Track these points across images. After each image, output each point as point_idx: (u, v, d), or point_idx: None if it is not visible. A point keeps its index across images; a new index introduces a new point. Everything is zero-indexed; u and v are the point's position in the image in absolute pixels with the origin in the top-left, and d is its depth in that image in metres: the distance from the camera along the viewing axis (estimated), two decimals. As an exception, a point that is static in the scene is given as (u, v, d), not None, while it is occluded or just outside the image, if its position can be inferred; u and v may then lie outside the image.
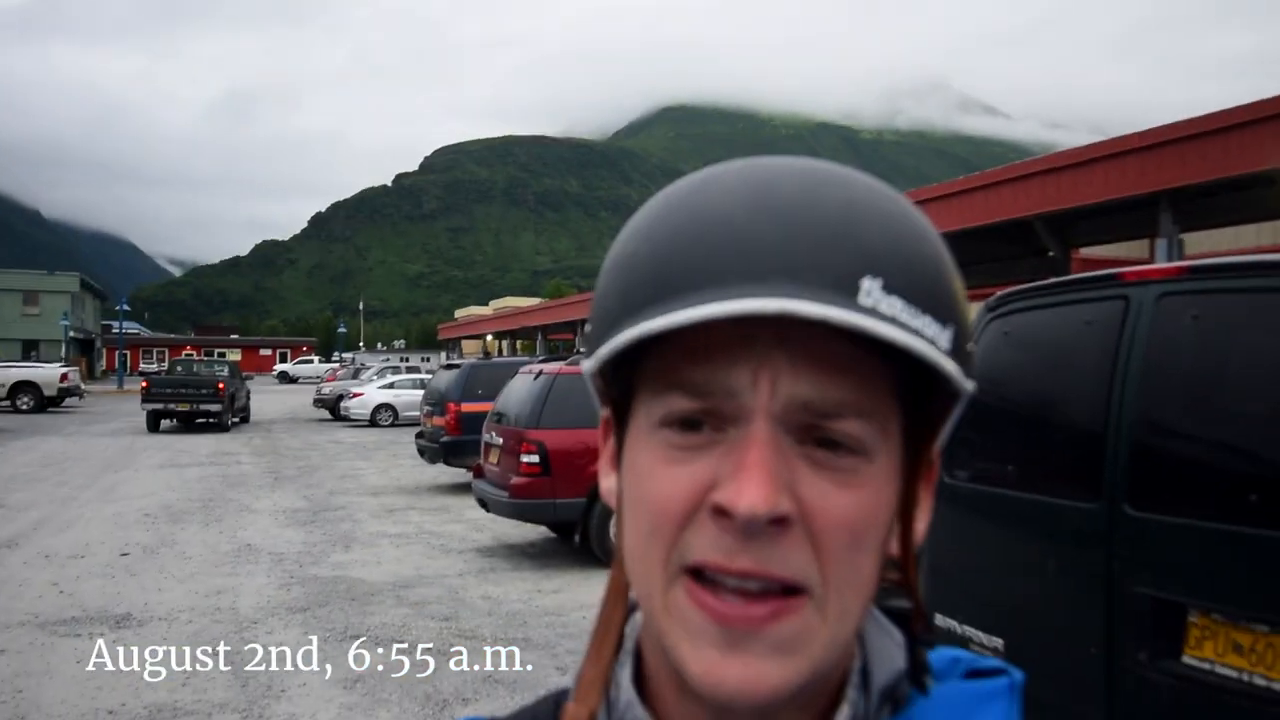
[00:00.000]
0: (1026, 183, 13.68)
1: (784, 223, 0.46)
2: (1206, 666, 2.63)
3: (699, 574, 0.47)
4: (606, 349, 0.48)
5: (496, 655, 5.93)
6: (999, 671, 0.56)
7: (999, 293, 3.75)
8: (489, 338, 56.61)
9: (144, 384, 24.68)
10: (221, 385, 24.15)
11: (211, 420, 24.43)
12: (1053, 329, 3.47)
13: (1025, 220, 13.95)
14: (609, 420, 0.56)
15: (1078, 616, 2.98)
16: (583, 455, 8.36)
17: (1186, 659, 2.69)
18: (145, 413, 24.03)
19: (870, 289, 0.45)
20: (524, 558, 9.01)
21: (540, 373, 9.02)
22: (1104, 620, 2.88)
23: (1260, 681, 2.54)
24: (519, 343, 54.59)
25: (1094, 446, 3.06)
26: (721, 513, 0.46)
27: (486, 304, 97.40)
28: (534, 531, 9.81)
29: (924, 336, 0.45)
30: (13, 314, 62.65)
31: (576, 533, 8.58)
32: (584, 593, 7.55)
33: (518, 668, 5.71)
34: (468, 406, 12.69)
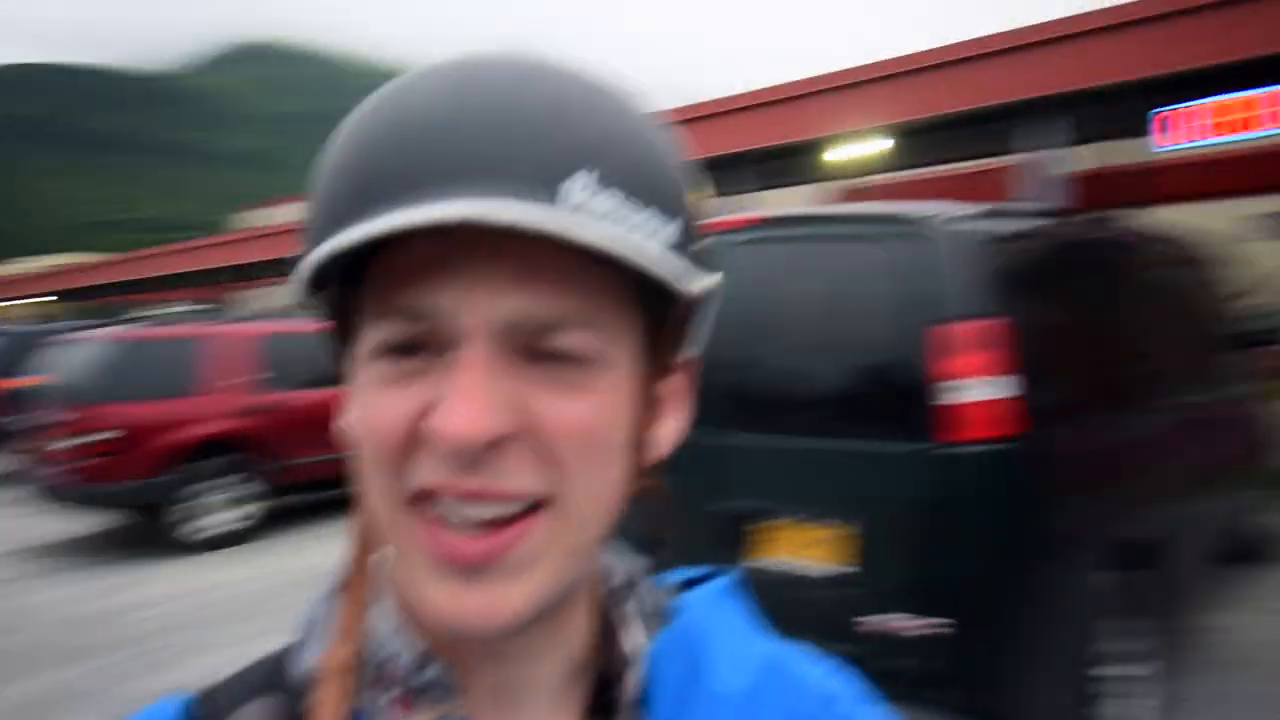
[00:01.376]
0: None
1: (484, 120, 0.42)
2: (779, 565, 3.11)
3: (429, 503, 0.45)
4: (303, 271, 0.44)
5: (71, 664, 5.22)
6: (713, 575, 0.60)
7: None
8: (51, 299, 47.97)
9: None
10: None
11: None
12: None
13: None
14: (340, 356, 0.51)
15: (686, 536, 3.32)
16: (162, 430, 7.55)
17: (760, 560, 3.15)
18: None
19: (581, 185, 0.42)
20: (94, 551, 7.96)
21: (102, 339, 7.95)
22: (700, 537, 3.24)
23: (818, 567, 3.06)
24: (82, 305, 47.13)
25: (705, 379, 3.43)
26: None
27: (9, 261, 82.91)
28: (103, 520, 8.67)
29: (639, 234, 0.43)
30: None
31: (158, 516, 7.73)
32: (170, 582, 6.85)
33: (98, 675, 5.07)
34: (11, 382, 10.80)
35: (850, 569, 3.01)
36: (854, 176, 14.56)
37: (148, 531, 8.14)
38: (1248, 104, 9.50)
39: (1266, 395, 5.47)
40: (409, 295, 0.44)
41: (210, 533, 7.75)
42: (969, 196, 4.23)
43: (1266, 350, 5.55)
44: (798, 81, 13.00)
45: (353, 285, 0.47)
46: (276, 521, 8.24)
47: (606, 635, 0.54)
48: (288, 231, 22.78)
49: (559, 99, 0.44)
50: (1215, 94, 9.59)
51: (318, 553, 7.49)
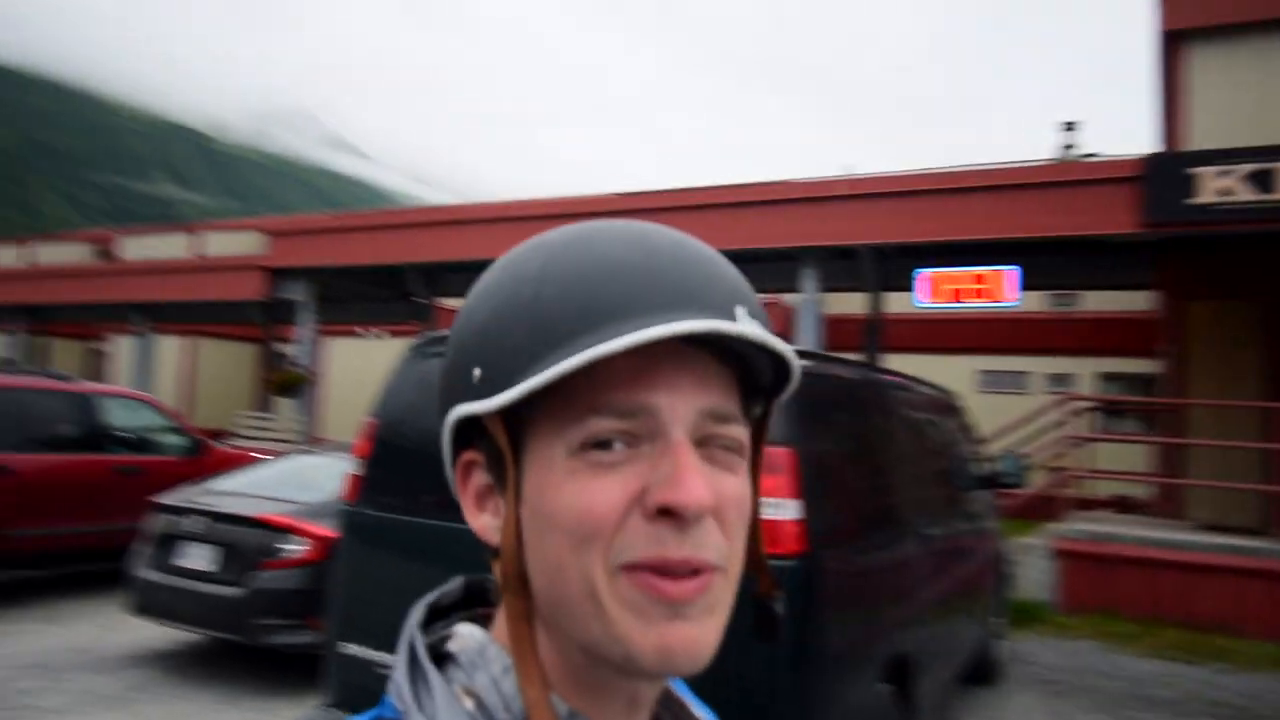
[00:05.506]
0: (402, 232, 14.58)
1: (673, 264, 0.55)
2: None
3: (637, 570, 0.54)
4: (538, 379, 0.52)
5: None
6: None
7: (418, 338, 4.10)
8: None
9: None
10: None
11: None
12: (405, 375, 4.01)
13: (398, 266, 14.82)
14: (475, 461, 0.60)
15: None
16: None
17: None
18: None
19: (741, 314, 0.55)
20: None
21: None
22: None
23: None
24: None
25: (408, 473, 3.78)
26: (665, 512, 0.53)
27: None
28: None
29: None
30: None
31: None
32: None
33: None
34: None
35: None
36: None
37: None
38: (979, 277, 11.18)
39: (1004, 532, 6.17)
40: (626, 396, 0.54)
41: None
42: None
43: (1004, 491, 6.34)
44: (573, 199, 13.66)
45: (530, 401, 0.55)
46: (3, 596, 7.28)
47: (666, 704, 0.67)
48: (19, 276, 20.43)
49: (709, 253, 0.59)
50: (969, 264, 11.23)
51: (41, 636, 6.65)
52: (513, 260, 0.59)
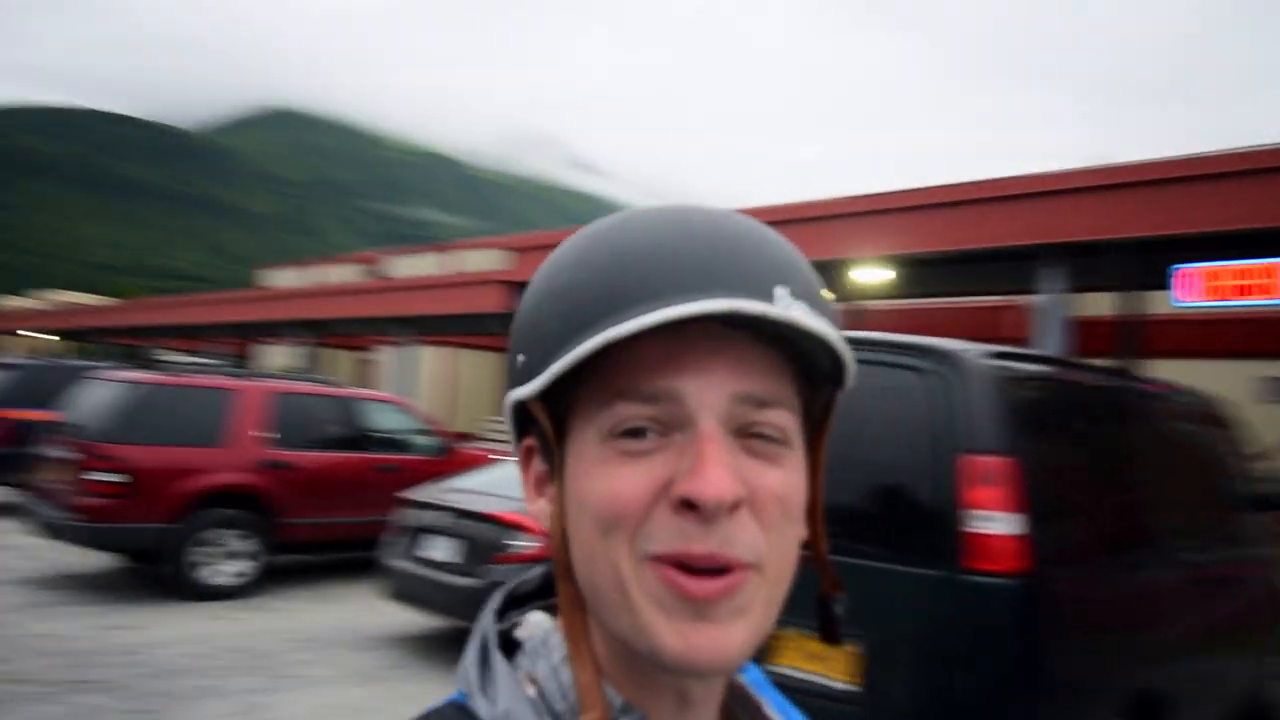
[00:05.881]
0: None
1: (708, 244, 0.53)
2: (788, 672, 3.17)
3: (663, 562, 0.53)
4: (561, 364, 0.52)
5: (58, 700, 5.18)
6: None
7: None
8: (54, 337, 48.03)
9: None
10: None
11: None
12: None
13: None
14: (533, 447, 0.61)
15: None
16: (172, 475, 7.61)
17: (772, 666, 3.21)
18: None
19: (782, 294, 0.52)
20: (92, 589, 7.90)
21: (128, 380, 8.07)
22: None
23: (824, 681, 3.12)
24: (85, 345, 47.27)
25: None
26: (686, 504, 0.51)
27: (21, 294, 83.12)
28: (104, 559, 8.64)
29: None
30: None
31: (160, 561, 7.73)
32: (167, 628, 6.82)
33: (85, 714, 5.04)
34: (22, 414, 10.88)
35: (852, 687, 3.04)
36: (856, 301, 14.91)
37: (149, 575, 8.12)
38: (1268, 270, 9.90)
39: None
40: (650, 380, 0.53)
41: (209, 583, 7.74)
42: (973, 332, 4.36)
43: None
44: (809, 203, 13.44)
45: (565, 382, 0.54)
46: (273, 578, 8.22)
47: (742, 703, 0.65)
48: (301, 295, 23.10)
49: (750, 233, 0.55)
50: (1235, 258, 10.02)
51: (311, 614, 7.47)
52: (560, 249, 0.59)
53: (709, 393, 0.53)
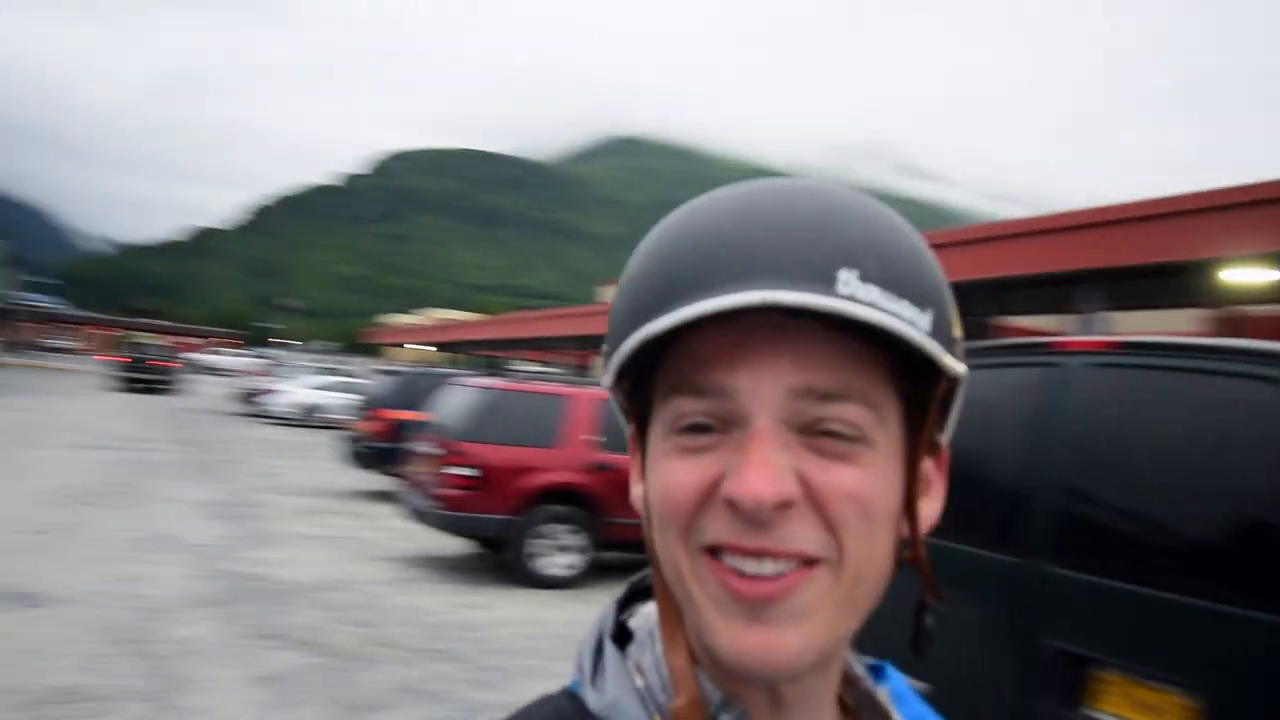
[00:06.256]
0: (959, 251, 14.24)
1: (766, 227, 0.50)
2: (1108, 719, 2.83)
3: (718, 555, 0.51)
4: (616, 358, 0.52)
5: (414, 665, 5.92)
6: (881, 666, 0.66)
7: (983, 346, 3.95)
8: (431, 349, 55.72)
9: (124, 358, 36.02)
10: (175, 363, 36.80)
11: (162, 388, 34.97)
12: (983, 388, 3.65)
13: (960, 284, 14.49)
14: (634, 435, 0.60)
15: (996, 664, 3.15)
16: (515, 472, 8.41)
17: (1089, 711, 2.88)
18: (119, 378, 34.75)
19: (847, 279, 0.49)
20: (448, 570, 8.97)
21: (481, 386, 9.04)
22: (1019, 669, 3.06)
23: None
24: (456, 356, 54.01)
25: (1019, 504, 3.26)
26: (731, 504, 0.50)
27: (410, 312, 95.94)
28: (459, 544, 9.77)
29: (901, 319, 0.49)
30: (-81, 275, 59.71)
31: (503, 550, 8.59)
32: (507, 609, 7.55)
33: (435, 679, 5.71)
34: (400, 414, 12.59)
35: (1194, 747, 2.66)
36: (1230, 304, 12.93)
37: (494, 561, 9.05)
38: None
39: None
40: (705, 375, 0.52)
41: (543, 573, 8.44)
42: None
43: None
44: (1171, 198, 11.88)
45: (646, 373, 0.55)
46: (600, 573, 8.78)
47: (870, 710, 0.62)
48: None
49: (822, 212, 0.52)
50: None
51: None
52: (651, 233, 0.57)
53: (764, 389, 0.51)
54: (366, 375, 24.73)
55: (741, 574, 0.50)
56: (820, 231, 0.50)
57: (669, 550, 0.53)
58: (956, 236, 15.15)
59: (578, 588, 8.47)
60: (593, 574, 8.68)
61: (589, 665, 0.59)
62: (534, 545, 8.43)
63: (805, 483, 0.50)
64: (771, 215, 0.51)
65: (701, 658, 0.56)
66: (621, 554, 9.06)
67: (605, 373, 0.55)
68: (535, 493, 8.45)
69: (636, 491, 0.60)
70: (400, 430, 12.04)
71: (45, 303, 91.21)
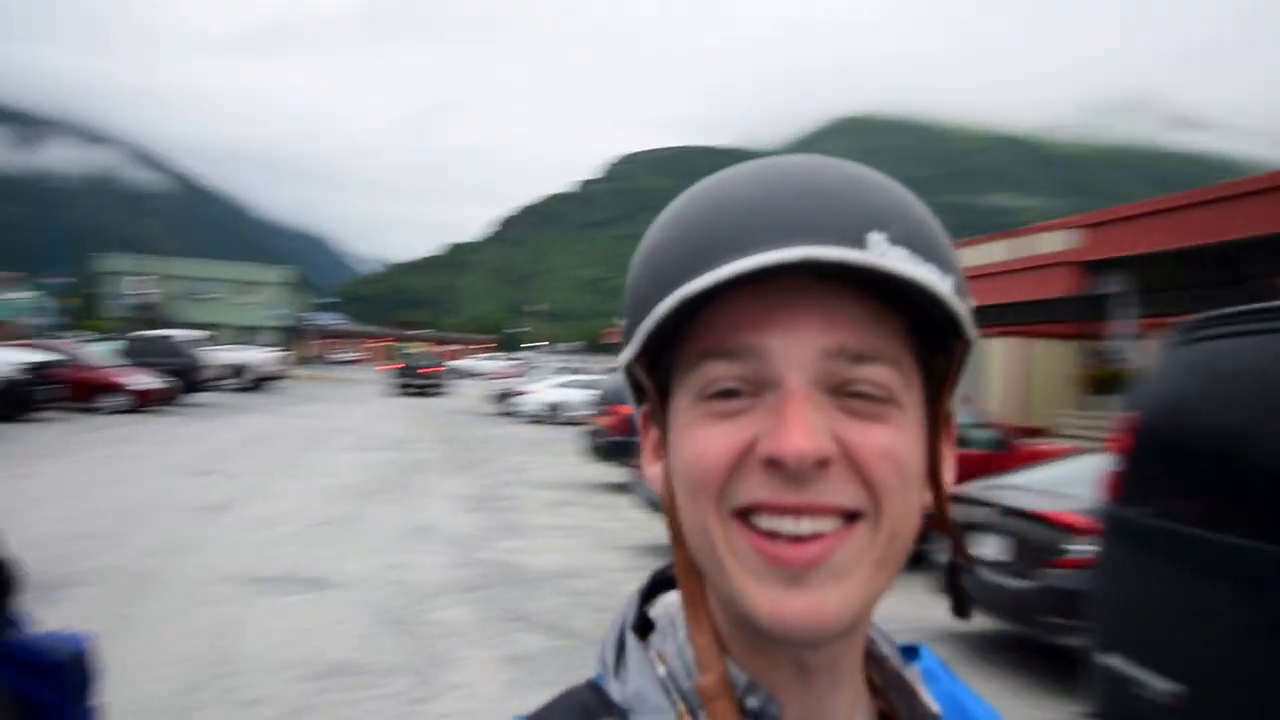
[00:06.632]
0: (1236, 204, 12.65)
1: (795, 193, 0.51)
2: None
3: (751, 521, 0.51)
4: (646, 324, 0.51)
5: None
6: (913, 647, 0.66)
7: (1192, 318, 3.55)
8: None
9: (399, 364, 41.19)
10: (441, 369, 40.99)
11: (431, 392, 39.03)
12: (1257, 358, 3.21)
13: (1230, 245, 12.90)
14: (648, 412, 0.60)
15: (1268, 666, 2.80)
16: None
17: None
18: (396, 384, 39.46)
19: (877, 240, 0.49)
20: (681, 560, 9.16)
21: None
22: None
23: None
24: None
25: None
26: (771, 463, 0.50)
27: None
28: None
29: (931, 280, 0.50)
30: (228, 302, 68.98)
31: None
32: (738, 599, 7.60)
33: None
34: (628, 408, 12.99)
35: None
36: None
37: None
38: None
39: None
40: (736, 338, 0.52)
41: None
42: None
43: None
44: None
45: (665, 345, 0.54)
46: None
47: (897, 688, 0.61)
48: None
49: (847, 179, 0.53)
50: None
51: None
52: (664, 212, 0.57)
53: (796, 349, 0.51)
54: (603, 373, 25.78)
55: (777, 536, 0.50)
56: (848, 196, 0.51)
57: (699, 519, 0.53)
58: (1236, 189, 13.44)
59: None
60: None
61: (611, 657, 0.60)
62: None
63: (841, 442, 0.50)
64: (798, 182, 0.52)
65: (727, 635, 0.57)
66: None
67: (628, 345, 0.55)
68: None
69: (652, 471, 0.60)
70: (631, 424, 12.40)
71: (330, 320, 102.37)
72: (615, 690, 0.58)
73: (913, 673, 0.63)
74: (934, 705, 0.61)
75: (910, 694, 0.61)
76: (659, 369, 0.57)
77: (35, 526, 8.59)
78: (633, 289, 0.56)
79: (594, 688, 0.59)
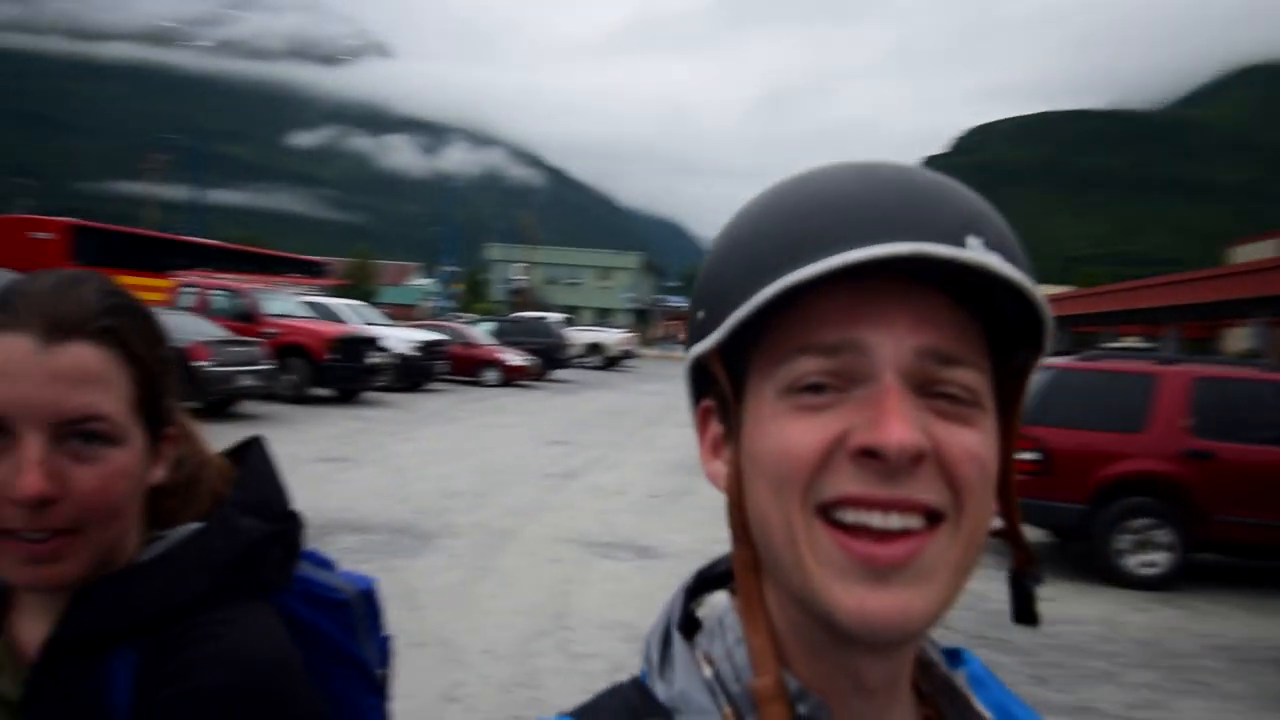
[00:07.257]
0: None
1: (897, 192, 0.52)
2: None
3: (835, 517, 0.51)
4: (740, 312, 0.51)
5: (972, 651, 5.84)
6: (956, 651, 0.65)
7: None
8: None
9: None
10: None
11: None
12: None
13: None
14: (711, 408, 0.60)
15: None
16: (1087, 458, 7.74)
17: None
18: None
19: (975, 244, 0.50)
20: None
21: (1045, 366, 8.49)
22: None
23: None
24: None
25: None
26: (867, 454, 0.49)
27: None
28: (1031, 534, 9.26)
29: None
30: (590, 286, 75.32)
31: (1074, 540, 7.96)
32: (1076, 605, 7.02)
33: (990, 668, 5.56)
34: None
35: None
36: None
37: (1070, 553, 8.47)
38: None
39: None
40: (831, 332, 0.51)
41: (1125, 570, 7.63)
42: None
43: None
44: None
45: (744, 340, 0.54)
46: (1195, 576, 7.71)
47: (948, 696, 0.61)
48: (1265, 269, 20.47)
49: (941, 183, 0.53)
50: None
51: (1234, 620, 6.77)
52: (747, 203, 0.58)
53: (891, 345, 0.51)
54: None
55: (864, 531, 0.50)
56: (945, 199, 0.52)
57: (782, 513, 0.52)
58: None
59: (1167, 591, 7.50)
60: (1189, 576, 7.64)
61: (657, 656, 0.59)
62: (1117, 540, 7.64)
63: (932, 439, 0.50)
64: (896, 182, 0.53)
65: (784, 638, 0.56)
66: (1222, 556, 7.80)
67: (710, 335, 0.55)
68: (1111, 481, 7.68)
69: (714, 468, 0.60)
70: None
71: (678, 302, 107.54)
72: (660, 690, 0.58)
73: (960, 678, 0.62)
74: (986, 713, 0.61)
75: (963, 702, 0.61)
76: (734, 362, 0.57)
77: (420, 484, 10.05)
78: (716, 278, 0.56)
79: (639, 687, 0.59)
